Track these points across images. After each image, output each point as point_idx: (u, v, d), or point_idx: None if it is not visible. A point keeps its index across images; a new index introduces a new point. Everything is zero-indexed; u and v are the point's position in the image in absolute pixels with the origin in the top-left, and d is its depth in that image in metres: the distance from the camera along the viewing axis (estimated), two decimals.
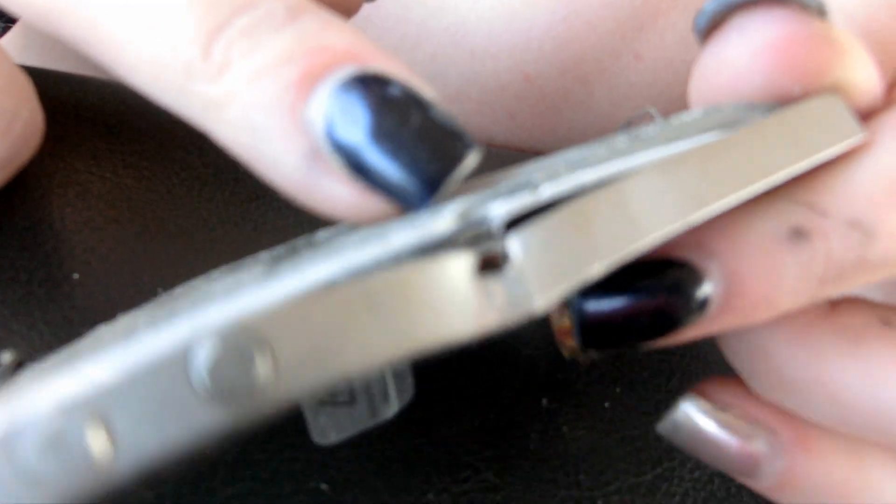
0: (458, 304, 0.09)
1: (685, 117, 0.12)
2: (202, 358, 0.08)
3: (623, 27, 0.26)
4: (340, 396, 0.15)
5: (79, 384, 0.08)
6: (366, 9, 0.26)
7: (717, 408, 0.14)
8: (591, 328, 0.12)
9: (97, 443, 0.08)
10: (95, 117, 0.21)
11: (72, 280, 0.17)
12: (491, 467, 0.18)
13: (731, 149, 0.11)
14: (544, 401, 0.19)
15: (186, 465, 0.09)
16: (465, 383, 0.19)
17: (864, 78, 0.13)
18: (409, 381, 0.16)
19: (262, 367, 0.08)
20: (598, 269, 0.10)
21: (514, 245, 0.10)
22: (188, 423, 0.08)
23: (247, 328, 0.08)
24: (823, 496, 0.14)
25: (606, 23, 0.26)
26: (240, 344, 0.08)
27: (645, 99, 0.28)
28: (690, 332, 0.12)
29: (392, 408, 0.15)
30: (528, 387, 0.19)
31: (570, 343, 0.19)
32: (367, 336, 0.09)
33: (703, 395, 0.15)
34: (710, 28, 0.12)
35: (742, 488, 0.20)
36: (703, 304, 0.12)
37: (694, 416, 0.15)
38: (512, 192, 0.10)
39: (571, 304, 0.12)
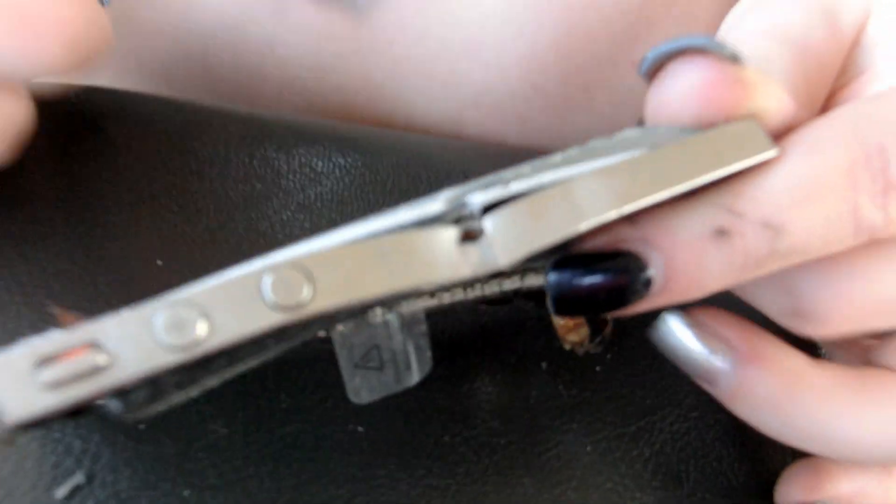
0: (443, 260, 0.13)
1: (626, 134, 0.15)
2: (269, 281, 0.12)
3: (620, 38, 0.30)
4: (372, 363, 0.18)
5: (193, 291, 0.12)
6: (390, 27, 0.30)
7: (693, 323, 0.18)
8: (561, 300, 0.16)
9: (201, 328, 0.12)
10: (166, 130, 0.25)
11: (157, 265, 0.21)
12: (497, 417, 0.21)
13: (657, 160, 0.14)
14: (544, 364, 0.23)
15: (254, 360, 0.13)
16: (477, 351, 0.23)
17: (773, 105, 0.15)
18: (428, 356, 0.19)
19: (307, 291, 0.12)
20: (546, 242, 0.14)
21: (488, 223, 0.14)
22: (257, 322, 0.12)
23: (298, 264, 0.12)
24: (766, 408, 0.17)
25: (604, 35, 0.29)
26: (293, 274, 0.12)
27: (642, 102, 0.31)
28: (639, 306, 0.16)
29: (414, 377, 0.19)
30: (530, 353, 0.23)
31: (569, 338, 0.23)
32: (377, 275, 0.13)
33: (686, 312, 0.18)
34: (651, 72, 0.15)
35: (716, 440, 0.23)
36: (647, 284, 0.15)
37: (674, 325, 0.18)
38: (488, 186, 0.14)
39: (548, 282, 0.16)
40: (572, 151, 0.14)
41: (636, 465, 0.22)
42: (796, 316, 0.16)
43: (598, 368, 0.23)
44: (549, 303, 0.16)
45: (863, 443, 0.17)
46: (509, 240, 0.13)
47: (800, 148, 0.15)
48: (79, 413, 0.12)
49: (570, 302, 0.16)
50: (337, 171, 0.25)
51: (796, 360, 0.17)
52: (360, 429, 0.20)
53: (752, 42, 0.19)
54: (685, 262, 0.15)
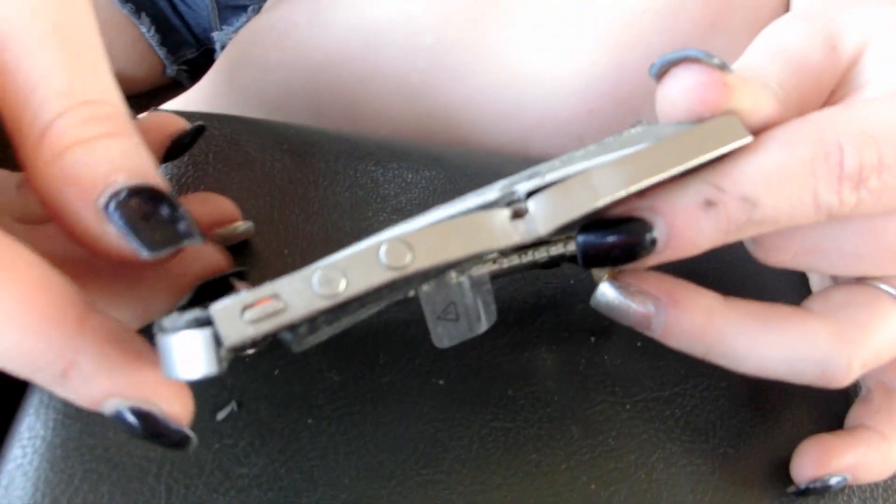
0: (500, 232, 0.18)
1: (632, 131, 0.20)
2: (383, 251, 0.17)
3: None
4: (450, 315, 0.23)
5: (336, 258, 0.17)
6: (469, 62, 0.35)
7: (621, 285, 0.22)
8: (587, 255, 0.20)
9: (342, 283, 0.17)
10: (289, 149, 0.31)
11: (284, 253, 0.27)
12: (551, 378, 0.26)
13: (655, 150, 0.19)
14: (592, 339, 0.27)
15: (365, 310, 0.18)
16: (537, 326, 0.27)
17: (748, 104, 0.20)
18: (493, 308, 0.23)
19: (409, 256, 0.17)
20: (573, 216, 0.18)
21: (531, 205, 0.18)
22: (377, 278, 0.17)
23: (402, 239, 0.17)
24: (691, 339, 0.22)
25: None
26: (399, 246, 0.17)
27: None
28: (650, 261, 0.20)
29: (483, 325, 0.23)
30: (581, 329, 0.27)
31: None
32: (455, 244, 0.18)
33: (613, 278, 0.23)
34: (659, 75, 0.20)
35: (741, 406, 0.27)
36: (653, 243, 0.20)
37: (608, 291, 0.23)
38: (530, 177, 0.19)
39: (577, 242, 0.20)
40: (591, 147, 0.19)
41: (668, 422, 0.26)
42: (755, 243, 0.21)
43: (638, 343, 0.28)
44: (578, 257, 0.21)
45: (767, 360, 0.22)
46: (546, 215, 0.18)
47: (775, 141, 0.20)
48: (258, 345, 0.18)
49: (593, 257, 0.20)
50: (423, 181, 0.30)
51: (708, 299, 0.22)
52: (440, 381, 0.25)
53: (757, 58, 0.23)
54: (681, 225, 0.20)
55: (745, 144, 0.20)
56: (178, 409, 0.18)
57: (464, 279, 0.21)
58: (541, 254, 0.24)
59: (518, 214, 0.19)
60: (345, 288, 0.17)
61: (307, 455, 0.23)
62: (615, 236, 0.20)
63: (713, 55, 0.20)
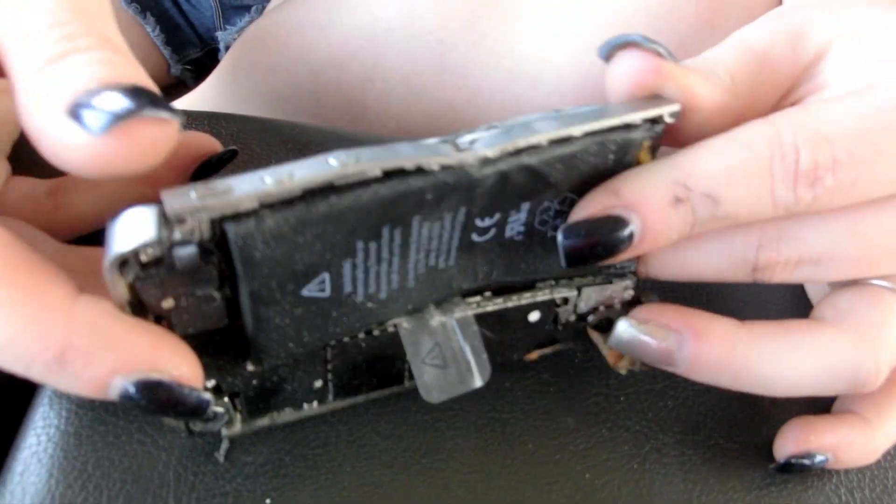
0: (444, 150, 0.19)
1: (569, 109, 0.21)
2: (332, 158, 0.17)
3: None
4: (436, 360, 0.22)
5: (289, 165, 0.17)
6: (468, 63, 0.36)
7: (640, 321, 0.23)
8: (569, 254, 0.21)
9: (289, 178, 0.17)
10: (294, 147, 0.32)
11: None
12: (547, 370, 0.27)
13: (591, 110, 0.20)
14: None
15: None
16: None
17: (681, 91, 0.21)
18: (485, 358, 0.22)
19: (354, 161, 0.18)
20: (515, 144, 0.19)
21: (476, 144, 0.19)
22: (324, 173, 0.17)
23: (354, 153, 0.18)
24: (718, 369, 0.22)
25: None
26: (350, 156, 0.18)
27: None
28: (627, 254, 0.21)
29: (476, 378, 0.22)
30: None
31: (620, 365, 0.27)
32: (401, 155, 0.18)
33: (632, 315, 0.23)
34: (607, 57, 0.22)
35: (732, 399, 0.28)
36: (630, 238, 0.21)
37: (626, 329, 0.23)
38: (470, 132, 0.20)
39: (559, 241, 0.21)
40: (533, 115, 0.21)
41: (661, 414, 0.27)
42: (755, 271, 0.22)
43: None
44: (560, 257, 0.21)
45: (797, 379, 0.22)
46: (491, 144, 0.19)
47: (735, 142, 0.21)
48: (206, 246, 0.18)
49: (576, 256, 0.21)
50: None
51: (727, 326, 0.22)
52: None
53: (720, 49, 0.24)
54: (654, 220, 0.21)
55: (673, 112, 0.21)
56: (187, 371, 0.18)
57: (446, 319, 0.21)
58: (526, 299, 0.24)
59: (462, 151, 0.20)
60: (291, 178, 0.17)
61: (310, 444, 0.24)
62: (595, 234, 0.21)
63: (655, 41, 0.21)
